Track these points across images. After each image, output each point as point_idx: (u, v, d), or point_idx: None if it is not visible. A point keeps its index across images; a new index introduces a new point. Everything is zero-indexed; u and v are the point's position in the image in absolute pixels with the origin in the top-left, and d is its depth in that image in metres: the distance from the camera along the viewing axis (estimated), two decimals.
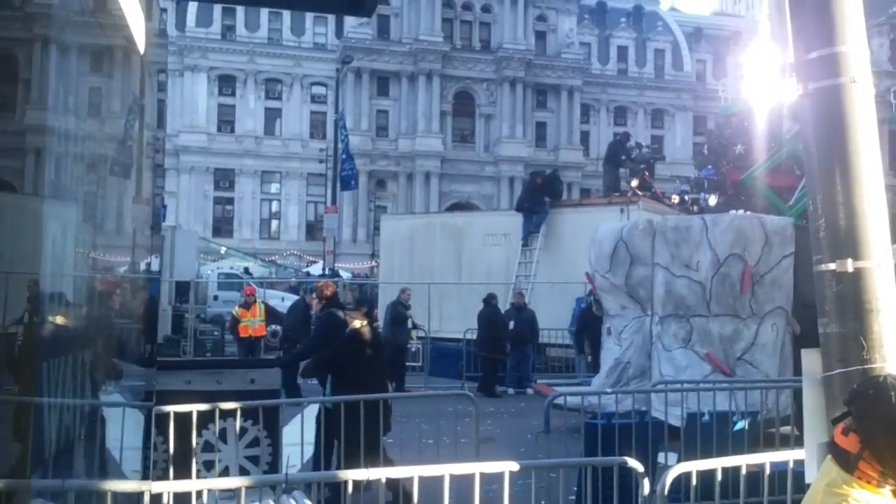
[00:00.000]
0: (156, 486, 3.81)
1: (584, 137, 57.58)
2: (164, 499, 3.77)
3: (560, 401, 8.30)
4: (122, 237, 3.43)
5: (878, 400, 2.32)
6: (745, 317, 9.67)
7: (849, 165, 3.32)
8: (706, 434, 6.44)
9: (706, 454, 5.66)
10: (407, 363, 15.83)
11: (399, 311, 15.21)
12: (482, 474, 3.92)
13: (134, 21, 2.77)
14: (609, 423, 6.34)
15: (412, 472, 3.81)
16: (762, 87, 26.57)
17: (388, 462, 6.41)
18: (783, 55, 3.65)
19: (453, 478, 3.91)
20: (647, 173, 20.06)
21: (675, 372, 9.98)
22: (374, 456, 6.23)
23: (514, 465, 3.81)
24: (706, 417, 6.73)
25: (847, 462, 2.30)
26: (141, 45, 2.94)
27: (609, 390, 8.96)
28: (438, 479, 3.82)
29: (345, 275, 31.09)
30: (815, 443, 3.20)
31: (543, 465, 4.48)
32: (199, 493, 4.02)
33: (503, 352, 14.73)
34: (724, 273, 9.60)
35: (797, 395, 7.10)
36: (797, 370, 8.95)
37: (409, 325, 15.62)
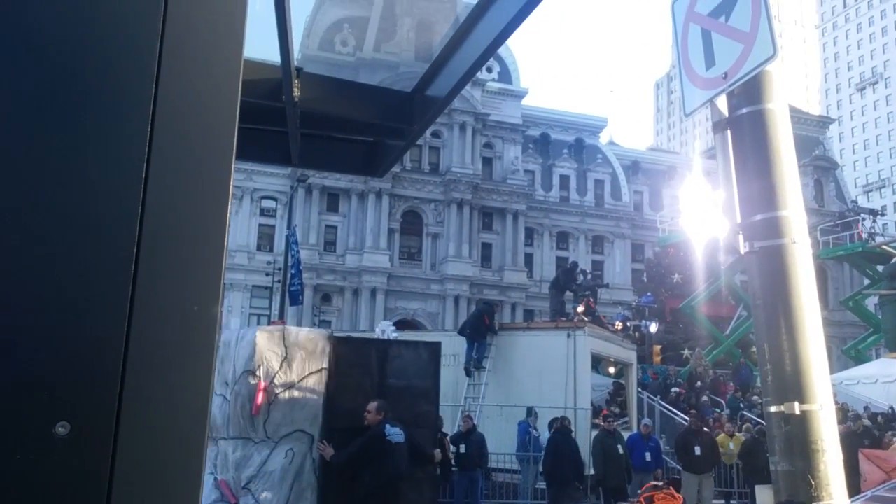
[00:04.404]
0: None
1: (528, 260, 59.02)
2: None
3: None
4: None
5: None
6: (257, 441, 8.53)
7: (792, 317, 3.70)
8: None
9: None
10: None
11: None
12: None
13: None
14: None
15: None
16: (698, 222, 28.05)
17: None
18: (728, 209, 4.09)
19: None
20: (591, 299, 20.74)
21: (203, 500, 9.12)
22: None
23: None
24: None
25: None
26: None
27: None
28: None
29: None
30: None
31: None
32: None
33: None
34: (237, 391, 8.55)
35: None
36: (321, 499, 8.21)
37: None
